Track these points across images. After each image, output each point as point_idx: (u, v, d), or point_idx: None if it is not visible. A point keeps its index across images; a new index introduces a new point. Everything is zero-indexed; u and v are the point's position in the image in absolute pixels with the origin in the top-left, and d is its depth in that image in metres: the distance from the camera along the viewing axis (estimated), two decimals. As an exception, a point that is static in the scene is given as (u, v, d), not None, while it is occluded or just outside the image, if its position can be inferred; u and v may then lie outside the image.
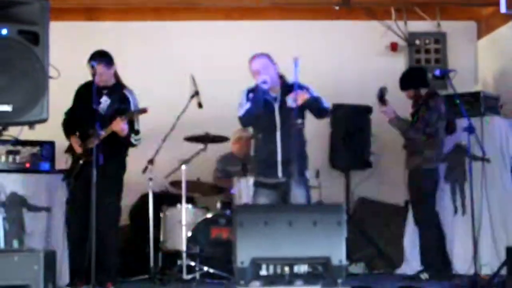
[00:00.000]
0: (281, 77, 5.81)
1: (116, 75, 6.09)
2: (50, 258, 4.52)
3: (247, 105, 5.64)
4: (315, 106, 5.62)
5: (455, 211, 6.92)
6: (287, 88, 5.70)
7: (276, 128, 5.69)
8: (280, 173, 5.67)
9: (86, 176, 5.75)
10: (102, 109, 5.96)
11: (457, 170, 6.90)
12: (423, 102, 6.55)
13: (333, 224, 4.41)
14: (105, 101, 5.99)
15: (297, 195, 5.46)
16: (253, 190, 5.87)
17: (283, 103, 5.71)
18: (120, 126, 5.80)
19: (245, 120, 5.75)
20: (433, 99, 6.52)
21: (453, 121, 6.60)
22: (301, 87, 5.59)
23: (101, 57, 5.94)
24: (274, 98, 5.74)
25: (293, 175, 5.38)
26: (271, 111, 5.72)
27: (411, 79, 6.72)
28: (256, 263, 4.34)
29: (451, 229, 6.80)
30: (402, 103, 6.78)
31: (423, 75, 6.74)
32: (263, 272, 4.36)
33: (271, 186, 5.72)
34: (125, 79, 6.22)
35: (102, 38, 7.60)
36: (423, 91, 6.61)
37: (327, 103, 5.76)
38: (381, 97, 6.47)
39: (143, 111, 5.90)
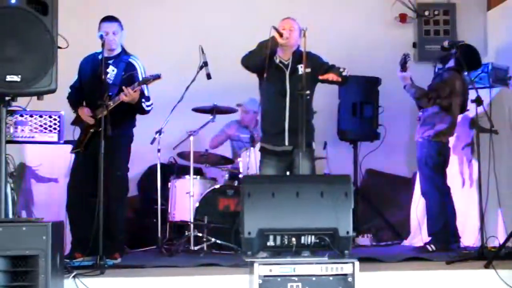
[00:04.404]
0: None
1: (121, 44, 6.06)
2: (58, 229, 4.54)
3: None
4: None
5: (463, 184, 6.91)
6: (298, 55, 5.67)
7: (286, 96, 5.67)
8: (287, 142, 5.67)
9: (94, 147, 5.76)
10: (110, 79, 5.93)
11: (464, 141, 6.89)
12: (439, 74, 6.50)
13: (340, 195, 4.40)
14: (112, 70, 5.96)
15: (303, 166, 5.45)
16: (260, 158, 5.87)
17: (293, 70, 5.69)
18: (131, 95, 5.77)
19: (243, 58, 5.70)
20: (448, 73, 6.46)
21: (466, 100, 6.53)
22: (311, 56, 5.60)
23: (115, 19, 5.95)
24: (285, 65, 5.73)
25: (300, 145, 5.36)
26: (282, 77, 5.71)
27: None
28: (263, 234, 4.33)
29: (458, 201, 6.80)
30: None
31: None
32: (270, 243, 4.36)
33: (277, 154, 5.72)
34: (133, 50, 6.19)
35: (111, 7, 7.54)
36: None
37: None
38: (405, 63, 6.39)
39: (157, 77, 5.80)
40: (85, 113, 5.93)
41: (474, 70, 6.53)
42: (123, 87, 5.77)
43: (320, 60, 5.73)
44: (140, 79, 5.91)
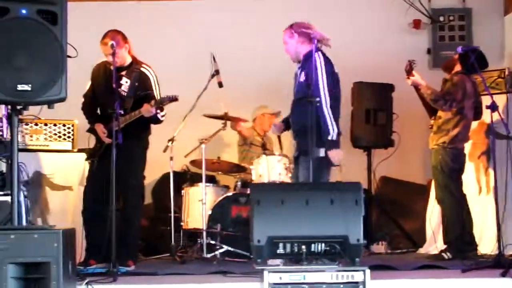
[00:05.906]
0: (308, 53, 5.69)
1: (130, 53, 6.04)
2: (70, 236, 4.55)
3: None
4: None
5: (480, 191, 6.86)
6: (303, 60, 5.63)
7: (293, 101, 5.70)
8: (295, 149, 5.72)
9: (110, 156, 5.76)
10: (124, 91, 5.93)
11: (481, 148, 6.83)
12: (449, 78, 6.46)
13: (350, 202, 4.39)
14: (125, 82, 5.96)
15: (299, 173, 5.49)
16: None
17: (299, 77, 5.67)
18: (150, 111, 5.79)
19: None
20: (458, 76, 6.42)
21: (479, 104, 6.48)
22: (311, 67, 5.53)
23: (107, 37, 5.84)
24: (295, 72, 5.73)
25: (300, 150, 5.39)
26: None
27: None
28: (272, 242, 4.33)
29: (475, 208, 6.73)
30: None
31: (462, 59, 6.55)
32: (280, 250, 4.36)
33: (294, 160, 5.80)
34: (145, 60, 6.18)
35: (120, 17, 7.61)
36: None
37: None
38: (410, 69, 6.35)
39: (174, 99, 5.80)
40: (101, 131, 5.95)
41: (484, 70, 6.48)
42: (145, 104, 5.78)
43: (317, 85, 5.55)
44: (154, 90, 5.93)
